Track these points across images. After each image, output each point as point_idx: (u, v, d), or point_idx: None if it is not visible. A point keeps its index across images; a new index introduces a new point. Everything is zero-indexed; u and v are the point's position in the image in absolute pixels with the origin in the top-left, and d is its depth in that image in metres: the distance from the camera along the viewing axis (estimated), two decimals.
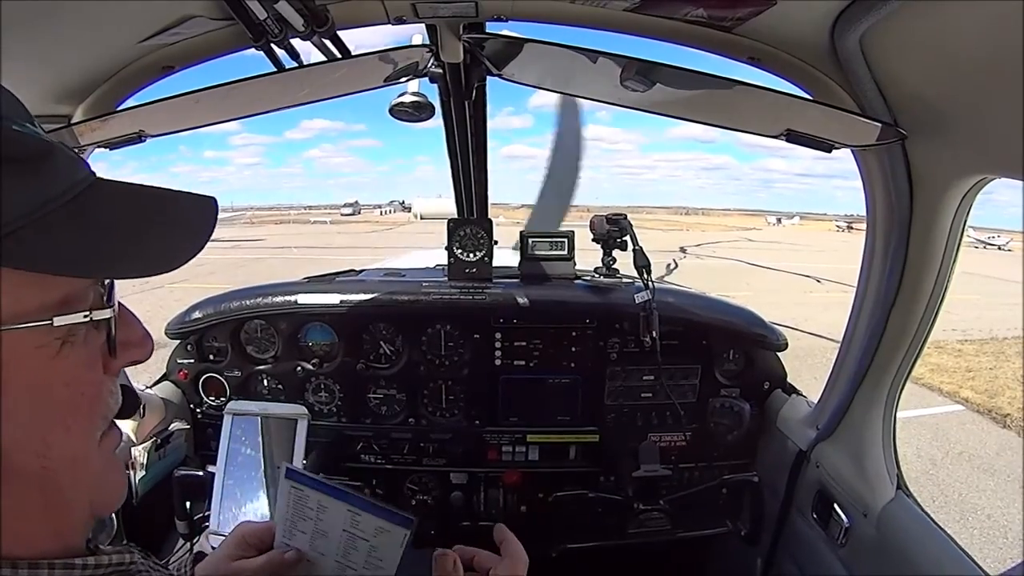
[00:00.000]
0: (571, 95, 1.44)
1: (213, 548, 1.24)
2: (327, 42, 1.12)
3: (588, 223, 1.79)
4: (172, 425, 1.75)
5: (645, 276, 1.63)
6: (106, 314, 0.54)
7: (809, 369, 5.46)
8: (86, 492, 0.57)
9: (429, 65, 1.35)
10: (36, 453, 0.51)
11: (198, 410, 1.85)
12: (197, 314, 1.80)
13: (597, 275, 1.82)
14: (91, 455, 0.56)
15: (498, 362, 1.76)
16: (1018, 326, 9.70)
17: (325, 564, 1.12)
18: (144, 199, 0.56)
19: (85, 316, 0.52)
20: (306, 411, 1.59)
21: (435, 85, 1.45)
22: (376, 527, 1.09)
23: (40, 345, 0.50)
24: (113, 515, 1.49)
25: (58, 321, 0.50)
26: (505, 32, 1.20)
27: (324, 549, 1.10)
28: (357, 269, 2.05)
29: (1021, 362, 8.74)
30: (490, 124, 1.70)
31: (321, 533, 1.12)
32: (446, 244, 1.86)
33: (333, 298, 1.74)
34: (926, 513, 1.25)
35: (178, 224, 0.57)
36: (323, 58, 1.16)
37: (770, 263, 22.59)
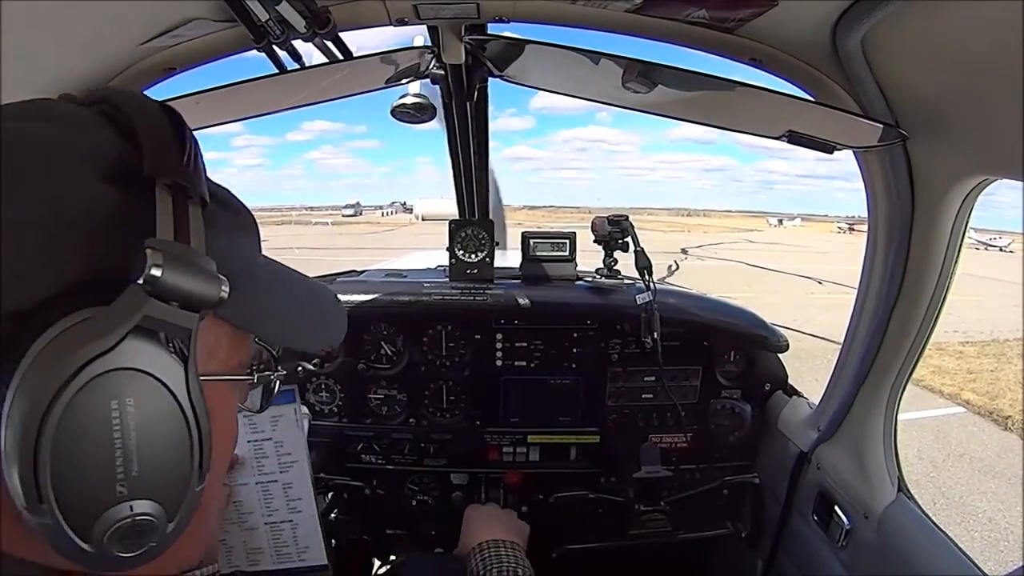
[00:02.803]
0: (573, 96, 1.44)
1: None
2: (329, 44, 1.12)
3: (590, 224, 1.79)
4: None
5: (646, 277, 1.63)
6: (280, 375, 0.65)
7: (810, 371, 5.47)
8: (213, 537, 0.64)
9: (430, 66, 1.35)
10: (212, 494, 0.56)
11: None
12: None
13: (598, 276, 1.82)
14: (221, 503, 0.67)
15: (499, 363, 1.76)
16: (1019, 327, 9.68)
17: (248, 493, 1.16)
18: (294, 276, 0.64)
19: (275, 375, 0.63)
20: (306, 411, 1.59)
21: (436, 86, 1.46)
22: (270, 418, 1.15)
23: (228, 396, 0.56)
24: None
25: (257, 378, 0.59)
26: (507, 33, 1.20)
27: (241, 476, 1.14)
28: (358, 270, 2.05)
29: (1022, 364, 8.72)
30: (492, 125, 1.71)
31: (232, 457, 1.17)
32: (447, 245, 1.87)
33: None
34: (927, 515, 1.25)
35: (323, 305, 0.67)
36: (325, 60, 1.17)
37: (771, 265, 22.58)
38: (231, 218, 0.53)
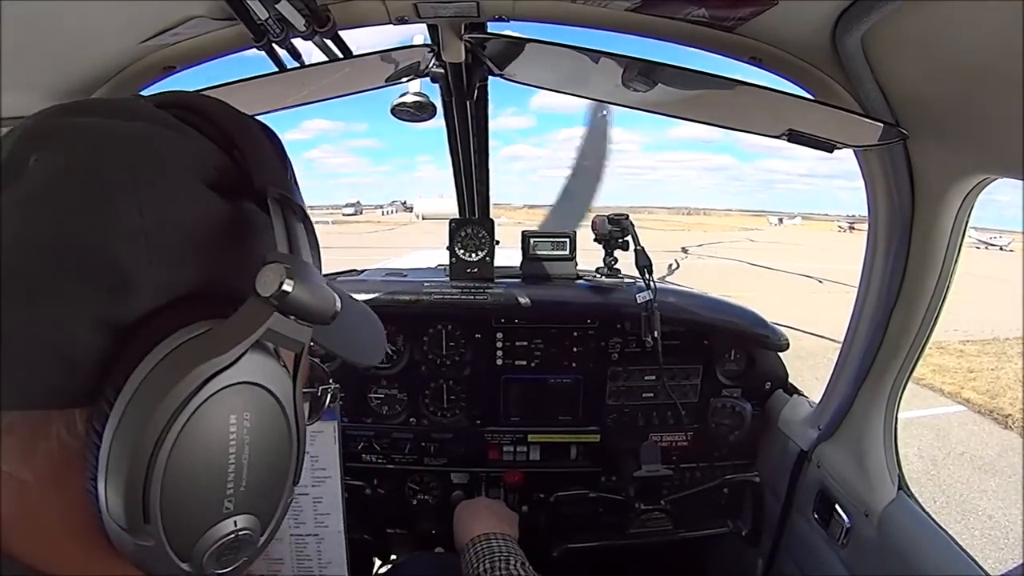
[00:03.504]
0: (573, 95, 1.44)
1: None
2: (328, 42, 1.12)
3: (590, 223, 1.79)
4: None
5: (647, 276, 1.63)
6: (335, 388, 0.66)
7: (811, 369, 5.47)
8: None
9: (430, 65, 1.35)
10: None
11: None
12: None
13: (599, 275, 1.82)
14: None
15: (499, 362, 1.76)
16: (1019, 327, 9.68)
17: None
18: (348, 299, 0.64)
19: (332, 387, 0.64)
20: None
21: (436, 85, 1.45)
22: (310, 434, 1.16)
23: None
24: None
25: (322, 391, 0.61)
26: (507, 32, 1.20)
27: None
28: (359, 269, 2.05)
29: (1022, 363, 8.72)
30: (492, 124, 1.70)
31: None
32: (448, 244, 1.87)
33: None
34: (927, 514, 1.25)
35: (371, 323, 0.71)
36: (324, 58, 1.17)
37: (772, 263, 22.58)
38: (314, 239, 0.53)
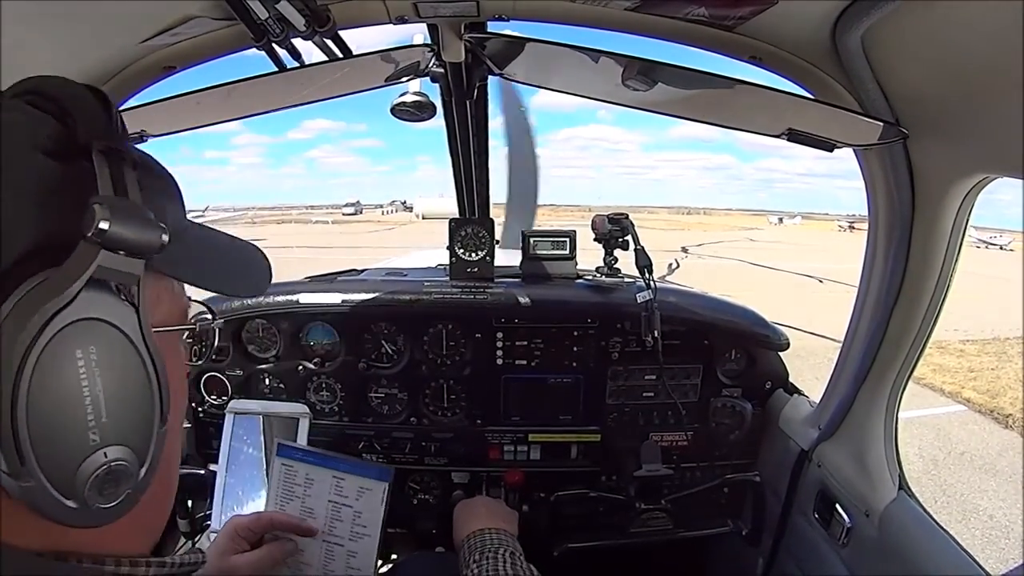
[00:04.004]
0: (573, 94, 1.44)
1: None
2: (328, 42, 1.12)
3: (590, 223, 1.78)
4: None
5: (647, 275, 1.63)
6: (219, 324, 0.69)
7: (811, 369, 5.47)
8: (175, 489, 0.64)
9: (430, 65, 1.35)
10: (172, 444, 0.57)
11: (199, 409, 1.85)
12: None
13: (599, 275, 1.82)
14: (180, 451, 0.66)
15: (500, 361, 1.76)
16: (1019, 326, 9.67)
17: (312, 546, 1.17)
18: (218, 233, 0.68)
19: (215, 323, 0.66)
20: (307, 410, 1.60)
21: (436, 85, 1.45)
22: (358, 488, 1.18)
23: (175, 347, 0.59)
24: None
25: (199, 327, 0.62)
26: (506, 31, 1.20)
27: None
28: (359, 269, 2.05)
29: (1023, 363, 8.71)
30: (492, 124, 1.71)
31: (307, 511, 1.18)
32: (448, 244, 1.87)
33: (335, 297, 1.74)
34: (928, 513, 1.25)
35: (249, 258, 0.70)
36: (324, 58, 1.16)
37: (772, 263, 22.57)
38: (158, 183, 0.57)
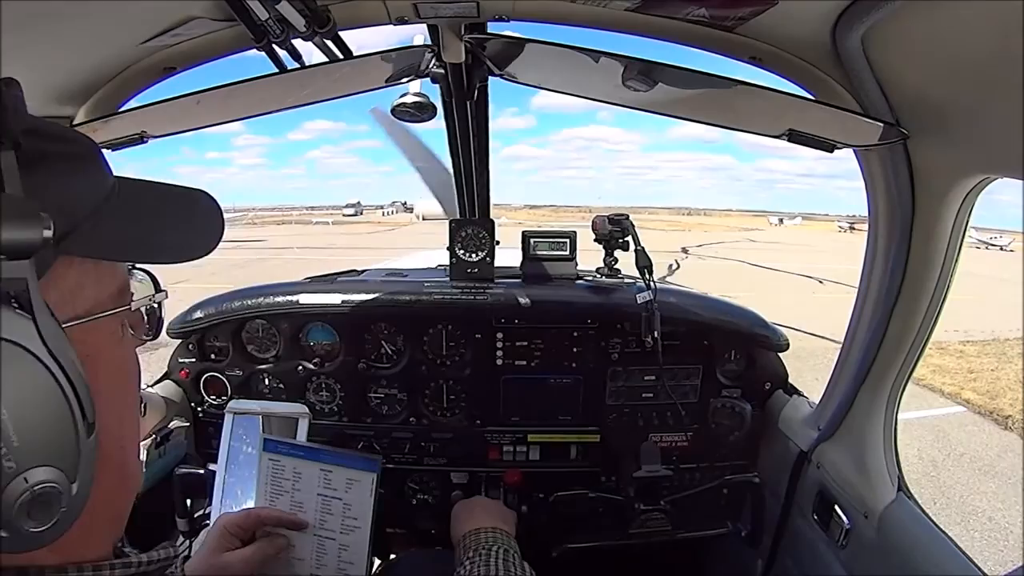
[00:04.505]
0: (573, 95, 1.44)
1: None
2: (329, 43, 1.12)
3: (590, 223, 1.79)
4: (172, 423, 1.76)
5: (647, 276, 1.63)
6: (161, 297, 0.62)
7: (811, 370, 5.46)
8: (138, 477, 0.61)
9: (431, 65, 1.35)
10: (116, 437, 0.54)
11: (199, 409, 1.85)
12: (199, 314, 1.80)
13: (599, 275, 1.82)
14: (138, 436, 0.62)
15: (500, 362, 1.76)
16: (1019, 327, 9.66)
17: (304, 541, 1.16)
18: (160, 192, 0.62)
19: (151, 299, 0.60)
20: (307, 410, 1.60)
21: (437, 85, 1.45)
22: (347, 479, 1.17)
23: (112, 332, 0.54)
24: None
25: (134, 306, 0.57)
26: (507, 32, 1.20)
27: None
28: (359, 269, 2.05)
29: (1022, 364, 8.71)
30: (492, 125, 1.70)
31: (297, 505, 1.17)
32: (448, 244, 1.87)
33: (335, 298, 1.74)
34: (927, 515, 1.25)
35: (196, 213, 0.64)
36: (325, 59, 1.17)
37: (772, 264, 22.57)
38: (63, 150, 0.50)
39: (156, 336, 0.63)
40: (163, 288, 0.63)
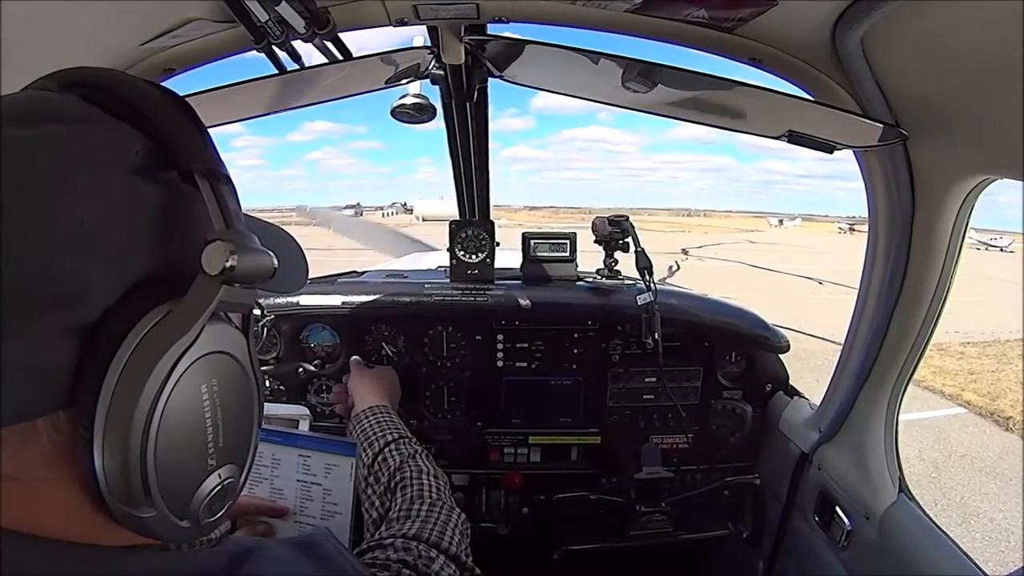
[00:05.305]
0: (573, 96, 1.44)
1: None
2: (328, 44, 1.12)
3: (590, 225, 1.79)
4: None
5: (647, 278, 1.63)
6: (269, 319, 0.70)
7: (811, 371, 5.46)
8: None
9: (430, 67, 1.35)
10: None
11: None
12: None
13: (599, 277, 1.82)
14: None
15: (500, 363, 1.76)
16: (1019, 328, 9.65)
17: (285, 528, 1.16)
18: (270, 228, 0.69)
19: (265, 319, 0.68)
20: (308, 412, 1.59)
21: (436, 87, 1.46)
22: (325, 464, 1.16)
23: None
24: None
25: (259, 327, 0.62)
26: (506, 34, 1.20)
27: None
28: (359, 270, 2.05)
29: (1023, 365, 8.70)
30: (492, 126, 1.71)
31: (277, 492, 1.17)
32: (448, 246, 1.86)
33: (335, 299, 1.74)
34: (928, 516, 1.25)
35: (292, 251, 0.71)
36: (324, 60, 1.17)
37: (772, 265, 22.58)
38: (234, 194, 0.53)
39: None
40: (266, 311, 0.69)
